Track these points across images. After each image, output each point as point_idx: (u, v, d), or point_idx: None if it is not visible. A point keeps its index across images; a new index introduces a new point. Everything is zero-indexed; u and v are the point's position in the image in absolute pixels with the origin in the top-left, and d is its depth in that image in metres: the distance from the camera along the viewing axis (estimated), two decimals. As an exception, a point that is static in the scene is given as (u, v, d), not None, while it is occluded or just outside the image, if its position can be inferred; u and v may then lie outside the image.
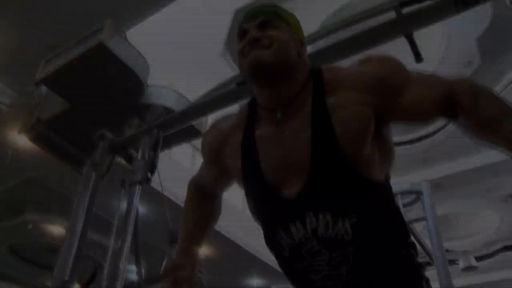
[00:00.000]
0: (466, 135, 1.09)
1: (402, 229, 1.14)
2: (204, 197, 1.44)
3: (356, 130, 1.04)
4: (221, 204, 1.51)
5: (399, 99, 1.08)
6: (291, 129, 1.10)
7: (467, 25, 6.48)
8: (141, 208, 2.75)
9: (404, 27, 2.09)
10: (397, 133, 8.21)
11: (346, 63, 2.31)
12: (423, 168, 8.68)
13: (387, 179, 1.17)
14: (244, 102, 1.31)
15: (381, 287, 1.06)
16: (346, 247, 1.02)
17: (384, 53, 1.17)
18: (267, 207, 1.13)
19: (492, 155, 7.81)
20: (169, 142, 3.64)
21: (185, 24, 5.93)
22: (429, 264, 3.98)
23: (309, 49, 2.27)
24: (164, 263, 1.27)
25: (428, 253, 4.33)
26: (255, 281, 10.10)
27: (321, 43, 2.39)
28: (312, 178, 1.04)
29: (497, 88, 7.43)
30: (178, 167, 6.86)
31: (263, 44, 1.09)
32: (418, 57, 2.30)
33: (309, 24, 5.93)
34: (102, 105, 4.11)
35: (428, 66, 7.13)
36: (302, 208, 1.05)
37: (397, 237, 1.11)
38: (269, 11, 1.15)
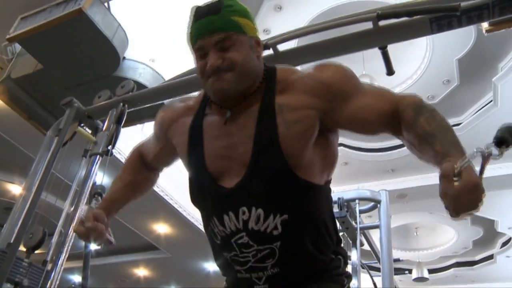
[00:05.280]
0: (410, 151, 1.09)
1: (332, 235, 1.18)
2: (143, 165, 1.45)
3: (298, 133, 1.06)
4: (156, 179, 1.51)
5: (343, 106, 1.09)
6: (238, 124, 1.11)
7: (450, 46, 6.61)
8: (106, 179, 2.74)
9: (379, 39, 2.12)
10: (369, 140, 8.33)
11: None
12: (390, 177, 8.85)
13: (327, 183, 1.18)
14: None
15: (300, 285, 1.11)
16: (274, 242, 1.06)
17: (340, 63, 1.17)
18: (205, 195, 1.15)
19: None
20: (140, 116, 3.63)
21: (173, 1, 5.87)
22: (379, 270, 4.09)
23: (285, 45, 2.31)
24: (85, 210, 1.23)
25: (379, 260, 4.43)
26: (211, 264, 10.15)
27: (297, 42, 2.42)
28: (250, 174, 1.07)
29: (471, 109, 7.62)
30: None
31: (225, 70, 1.06)
32: (389, 71, 2.35)
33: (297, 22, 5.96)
34: (76, 72, 4.05)
35: (408, 79, 7.26)
36: (237, 201, 1.08)
37: (325, 242, 1.15)
38: (225, 23, 1.07)
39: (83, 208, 2.38)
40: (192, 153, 1.17)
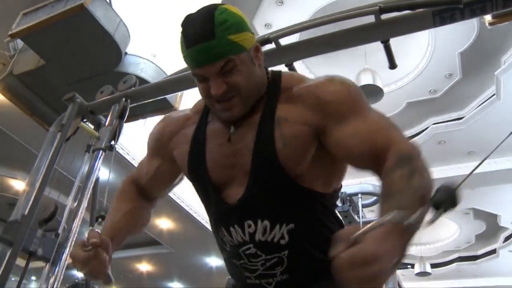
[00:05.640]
0: None
1: None
2: (138, 193, 1.34)
3: (295, 148, 1.04)
4: (151, 212, 1.38)
5: (336, 127, 1.03)
6: (239, 132, 1.10)
7: (453, 39, 6.59)
8: (111, 174, 2.75)
9: (381, 32, 2.11)
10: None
11: (320, 58, 2.34)
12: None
13: (335, 191, 1.17)
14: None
15: (309, 286, 1.10)
16: (281, 251, 1.07)
17: (350, 81, 1.10)
18: (211, 204, 1.16)
19: (457, 167, 8.01)
20: (143, 112, 3.64)
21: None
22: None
23: (287, 39, 2.30)
24: (88, 232, 1.09)
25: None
26: (213, 259, 10.20)
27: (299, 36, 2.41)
28: (252, 186, 1.06)
29: (474, 103, 7.60)
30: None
31: (231, 95, 1.03)
32: (392, 64, 2.34)
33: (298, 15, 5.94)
34: (78, 68, 4.06)
35: (410, 73, 7.24)
36: (241, 216, 1.08)
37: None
38: (223, 47, 0.98)
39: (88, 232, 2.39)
40: (194, 162, 1.15)
